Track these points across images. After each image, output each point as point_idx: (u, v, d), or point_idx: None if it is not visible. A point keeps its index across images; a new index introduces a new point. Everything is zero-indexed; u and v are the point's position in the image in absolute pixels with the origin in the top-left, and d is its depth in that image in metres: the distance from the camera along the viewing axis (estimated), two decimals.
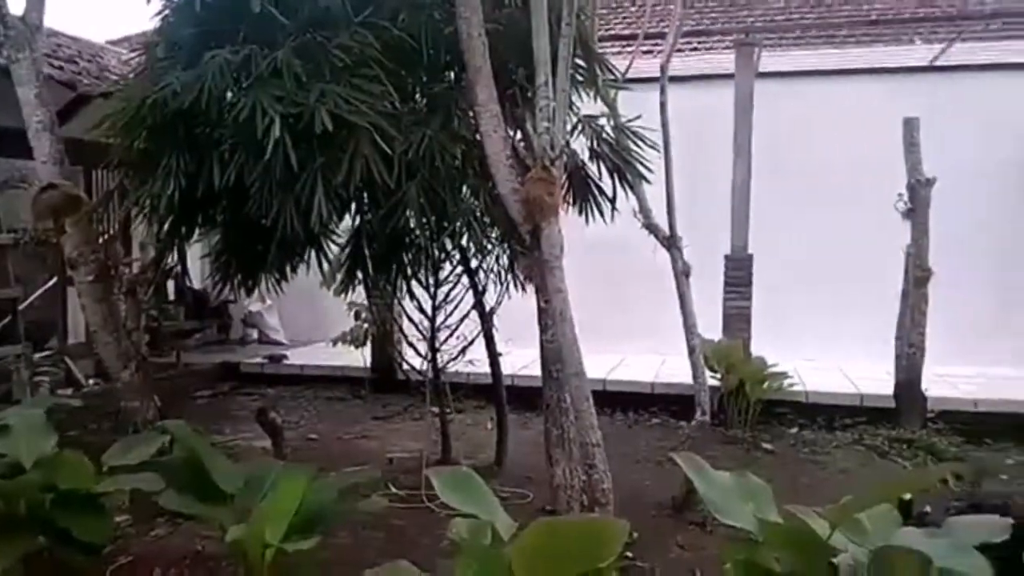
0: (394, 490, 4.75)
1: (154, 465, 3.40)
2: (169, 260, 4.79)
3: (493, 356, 5.24)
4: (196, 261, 5.68)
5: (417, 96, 4.52)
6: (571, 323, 3.65)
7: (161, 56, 4.32)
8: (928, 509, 3.76)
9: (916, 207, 6.21)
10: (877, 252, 6.84)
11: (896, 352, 6.39)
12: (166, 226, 4.45)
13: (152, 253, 5.14)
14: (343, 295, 4.81)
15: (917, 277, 6.21)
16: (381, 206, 4.10)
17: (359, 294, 5.31)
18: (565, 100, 3.73)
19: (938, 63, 7.85)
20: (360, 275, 4.44)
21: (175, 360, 7.75)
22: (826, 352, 7.82)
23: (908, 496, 3.65)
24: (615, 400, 6.91)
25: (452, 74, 4.53)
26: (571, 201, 4.92)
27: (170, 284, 8.23)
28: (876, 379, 6.78)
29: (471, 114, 3.99)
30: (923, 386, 6.31)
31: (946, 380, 6.96)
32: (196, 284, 8.17)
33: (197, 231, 4.59)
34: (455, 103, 4.34)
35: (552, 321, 3.73)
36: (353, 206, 4.33)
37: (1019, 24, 7.67)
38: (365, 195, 4.24)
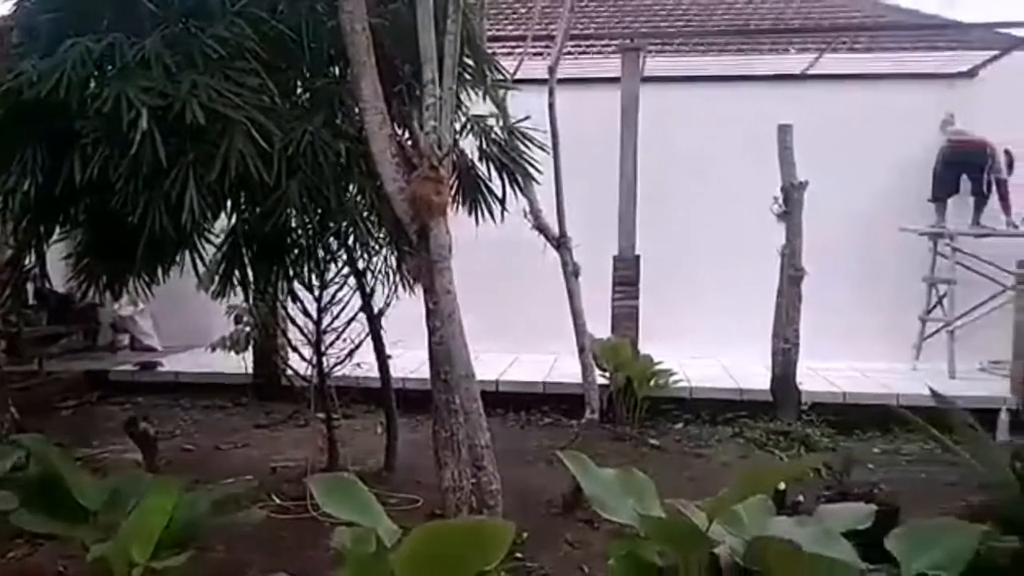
0: (277, 501, 4.58)
1: (8, 482, 3.16)
2: (27, 261, 4.45)
3: (381, 359, 5.14)
4: (60, 262, 5.30)
5: (299, 91, 4.38)
6: (460, 324, 3.61)
7: (16, 42, 4.01)
8: (801, 498, 3.93)
9: (790, 209, 6.52)
10: (756, 252, 7.12)
11: (773, 348, 6.68)
12: (23, 224, 4.13)
13: (7, 253, 4.75)
14: (221, 298, 4.59)
15: (791, 276, 6.52)
16: (260, 204, 3.94)
17: (241, 297, 5.10)
18: (452, 99, 3.70)
19: (810, 72, 8.27)
20: (238, 277, 4.24)
21: (37, 368, 7.21)
22: (709, 349, 8.10)
23: (782, 486, 3.82)
24: (507, 400, 6.93)
25: (336, 69, 4.42)
26: (460, 201, 4.89)
27: (30, 287, 7.65)
28: (755, 374, 7.07)
29: (356, 110, 3.90)
30: (798, 380, 6.62)
31: (819, 374, 7.34)
32: (60, 287, 7.63)
33: (58, 230, 4.28)
34: (339, 99, 4.23)
35: (441, 322, 3.68)
36: (229, 204, 4.14)
37: (884, 38, 8.21)
38: (242, 193, 4.05)
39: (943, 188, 7.93)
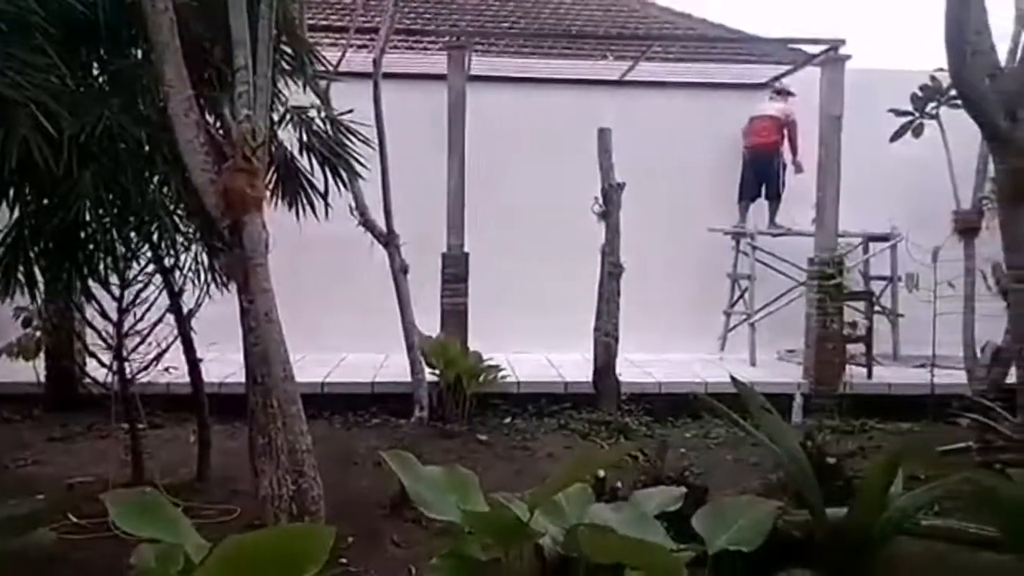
0: (75, 520, 4.17)
1: None
2: None
3: (192, 363, 4.81)
4: None
5: (96, 73, 4.01)
6: (278, 324, 3.45)
7: None
8: (619, 484, 4.09)
9: (609, 209, 6.80)
10: (579, 250, 7.36)
11: (594, 341, 6.94)
12: None
13: None
14: (4, 299, 4.11)
15: (610, 273, 6.81)
16: (48, 196, 3.56)
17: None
18: (268, 86, 3.52)
19: (628, 78, 8.67)
20: (23, 275, 3.82)
21: None
22: (536, 343, 8.30)
23: (602, 474, 3.95)
24: (334, 402, 6.72)
25: (140, 51, 4.09)
26: (279, 195, 4.68)
27: None
28: (579, 367, 7.32)
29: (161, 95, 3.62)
30: (617, 372, 6.92)
31: (636, 365, 7.72)
32: None
33: None
34: (142, 83, 3.92)
35: (256, 322, 3.48)
36: (12, 194, 3.71)
37: (695, 49, 8.74)
38: (27, 183, 3.65)
39: (747, 190, 8.59)
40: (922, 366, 7.19)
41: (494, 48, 8.43)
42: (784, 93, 8.52)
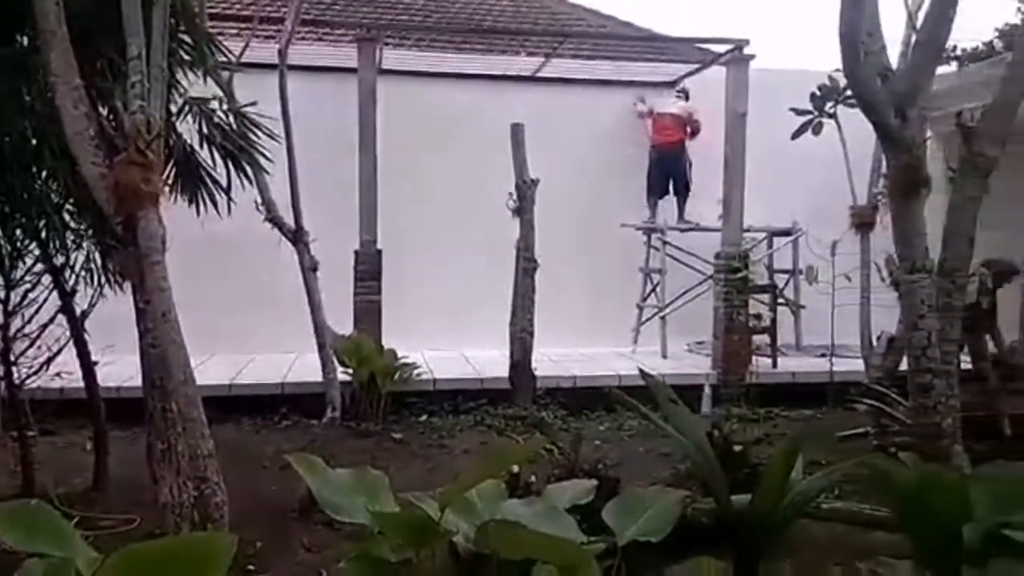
0: None
1: None
2: None
3: (87, 366, 4.57)
4: None
5: None
6: (176, 325, 3.30)
7: None
8: (533, 479, 4.10)
9: (523, 205, 6.82)
10: (495, 246, 7.37)
11: (510, 337, 6.95)
12: None
13: None
14: None
15: (525, 269, 6.83)
16: None
17: None
18: (163, 77, 3.36)
19: (540, 74, 8.71)
20: None
21: None
22: (452, 340, 8.26)
23: (516, 469, 3.96)
24: (243, 404, 6.51)
25: (25, 38, 3.85)
26: (178, 190, 4.50)
27: None
28: (495, 363, 7.32)
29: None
30: (533, 366, 6.95)
31: (552, 360, 7.78)
32: None
33: None
34: (27, 71, 3.69)
35: (154, 323, 3.34)
36: None
37: (606, 46, 8.84)
38: None
39: (655, 187, 8.76)
40: (823, 355, 7.49)
41: (406, 41, 8.32)
42: (687, 93, 8.75)
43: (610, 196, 8.87)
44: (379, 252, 6.92)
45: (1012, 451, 4.52)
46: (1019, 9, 13.55)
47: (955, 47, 17.46)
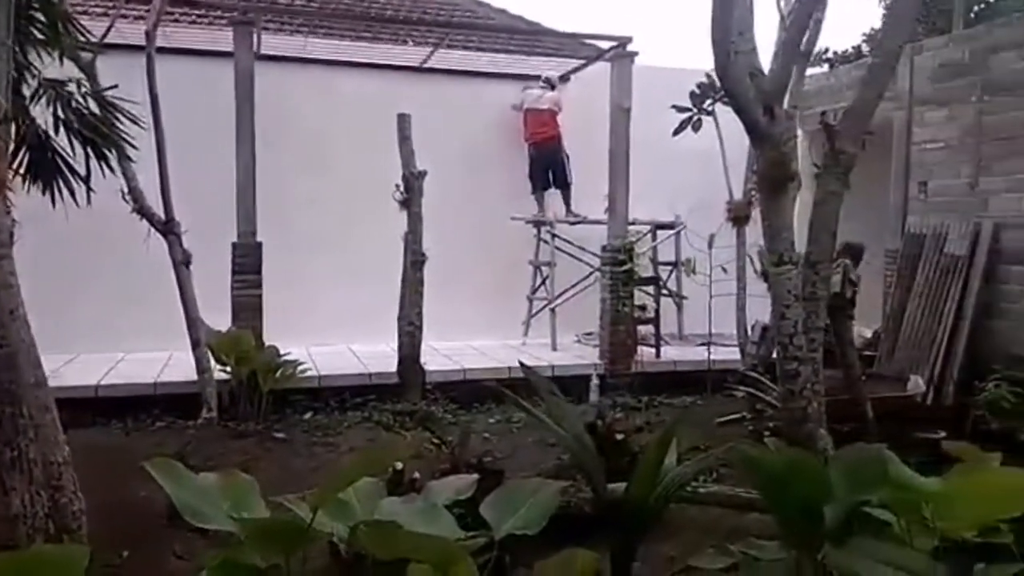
0: None
1: None
2: None
3: None
4: None
5: None
6: (26, 323, 3.08)
7: None
8: (417, 475, 4.05)
9: (411, 197, 6.72)
10: (383, 238, 7.24)
11: (398, 330, 6.85)
12: None
13: None
14: None
15: (413, 261, 6.75)
16: None
17: None
18: (8, 55, 3.12)
19: (429, 65, 8.61)
20: None
21: None
22: (339, 335, 8.08)
23: (400, 466, 3.90)
24: (112, 406, 6.16)
25: None
26: (30, 178, 4.18)
27: None
28: (383, 357, 7.21)
29: None
30: (422, 360, 6.88)
31: (442, 353, 7.73)
32: None
33: None
34: None
35: (0, 322, 3.08)
36: None
37: (494, 39, 8.84)
38: None
39: (537, 182, 8.82)
40: (703, 345, 7.76)
41: (287, 27, 8.04)
42: (553, 83, 8.79)
43: (501, 189, 8.88)
44: (259, 244, 6.66)
45: (874, 433, 4.84)
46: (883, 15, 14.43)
47: (827, 50, 18.51)
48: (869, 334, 7.86)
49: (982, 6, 16.64)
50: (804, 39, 5.90)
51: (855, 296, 4.94)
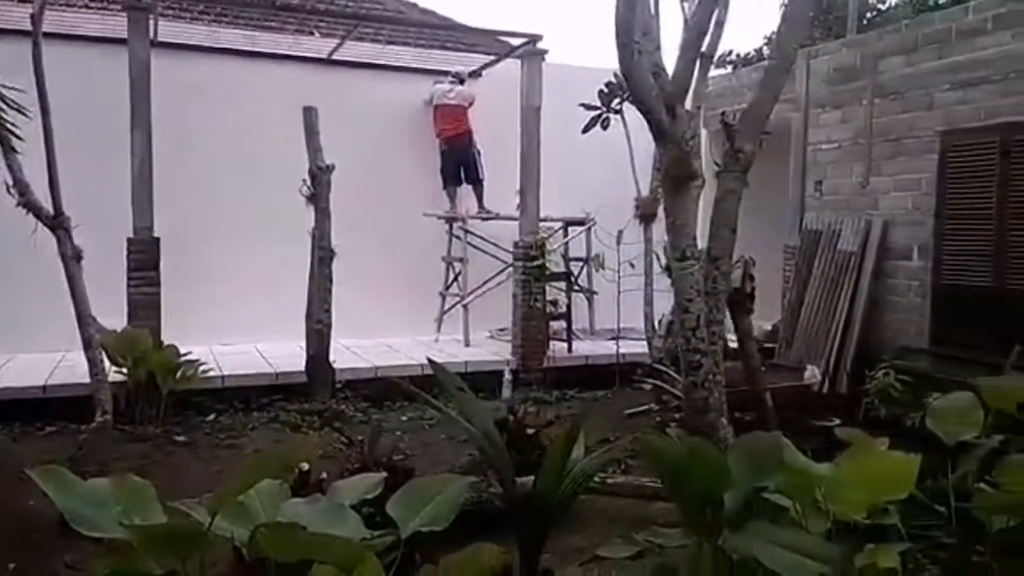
0: None
1: None
2: None
3: None
4: None
5: None
6: None
7: None
8: (324, 475, 3.98)
9: (318, 192, 6.59)
10: (290, 234, 7.07)
11: (306, 329, 6.71)
12: None
13: None
14: None
15: (321, 258, 6.61)
16: None
17: None
18: None
19: (337, 57, 8.44)
20: None
21: None
22: (245, 334, 7.86)
23: (306, 466, 3.82)
24: None
25: None
26: None
27: None
28: (291, 356, 7.04)
29: None
30: (331, 359, 6.75)
31: (352, 351, 7.61)
32: None
33: None
34: None
35: None
36: None
37: (406, 33, 8.74)
38: None
39: (449, 177, 8.79)
40: (613, 339, 7.90)
41: (186, 14, 7.74)
42: (462, 78, 8.76)
43: (413, 185, 8.81)
44: (156, 240, 6.38)
45: (773, 421, 5.03)
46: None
47: (730, 52, 19.16)
48: (769, 327, 8.18)
49: (874, 14, 17.56)
50: (707, 41, 6.11)
51: (754, 290, 5.12)
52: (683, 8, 6.44)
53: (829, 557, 2.54)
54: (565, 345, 8.22)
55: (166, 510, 2.64)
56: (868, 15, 16.94)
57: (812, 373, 6.18)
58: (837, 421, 5.33)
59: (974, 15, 6.38)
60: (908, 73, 6.88)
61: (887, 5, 18.23)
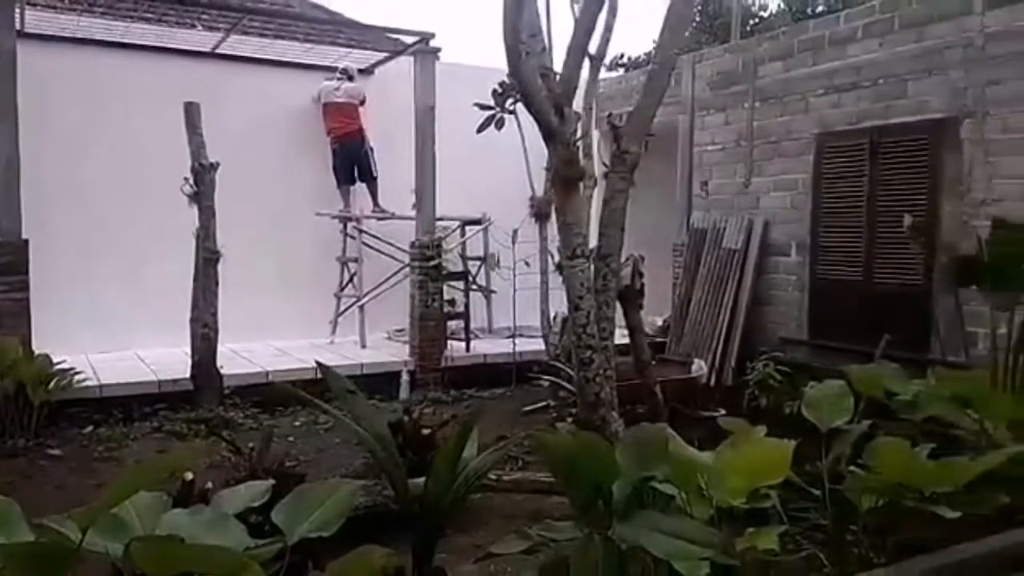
0: None
1: None
2: None
3: None
4: None
5: None
6: None
7: None
8: (210, 485, 3.83)
9: (202, 190, 6.34)
10: (173, 235, 6.78)
11: (191, 333, 6.45)
12: None
13: None
14: None
15: (206, 259, 6.36)
16: None
17: None
18: None
19: (222, 51, 8.15)
20: None
21: None
22: (125, 341, 7.48)
23: (190, 476, 3.66)
24: None
25: None
26: None
27: None
28: (177, 362, 6.75)
29: None
30: (219, 364, 6.51)
31: (241, 356, 7.37)
32: None
33: None
34: None
35: None
36: None
37: (295, 27, 8.52)
38: None
39: (342, 176, 8.63)
40: (511, 337, 7.96)
41: (58, 2, 7.30)
42: (351, 74, 8.61)
43: (305, 183, 8.61)
44: (25, 242, 5.97)
45: (662, 413, 5.18)
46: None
47: (622, 55, 19.64)
48: (661, 322, 8.44)
49: (756, 21, 18.38)
50: (596, 44, 6.25)
51: (644, 287, 5.26)
52: (572, 9, 6.54)
53: (711, 542, 2.64)
54: (463, 344, 8.22)
55: (33, 528, 2.49)
56: (750, 22, 17.71)
57: (699, 366, 6.41)
58: (722, 411, 5.55)
59: (845, 24, 6.77)
60: (786, 78, 7.24)
61: (768, 12, 19.13)
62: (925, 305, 5.79)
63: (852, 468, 3.48)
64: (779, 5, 19.22)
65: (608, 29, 6.37)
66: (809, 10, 17.76)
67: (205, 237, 6.34)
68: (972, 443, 4.03)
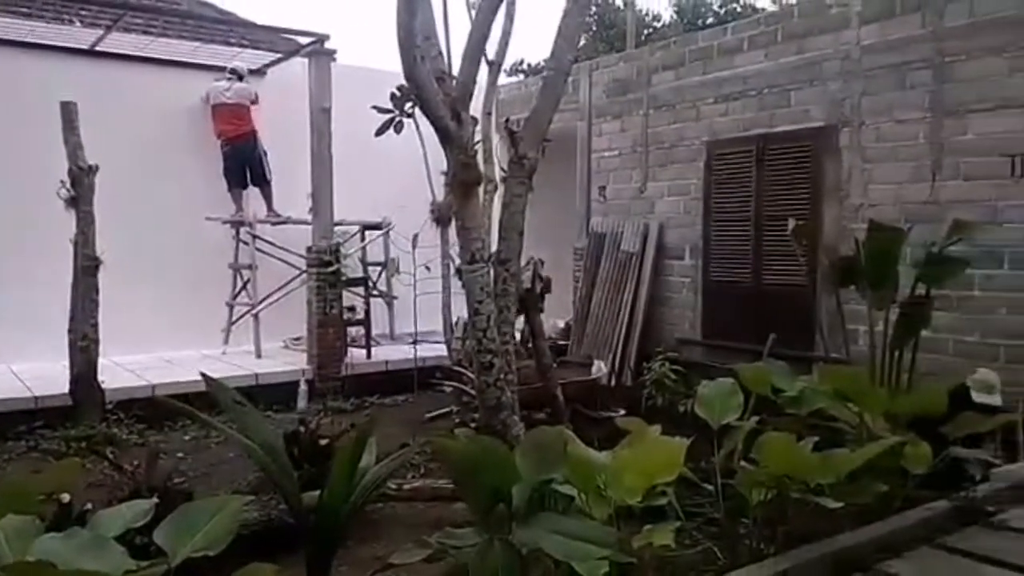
0: None
1: None
2: None
3: None
4: None
5: None
6: None
7: None
8: (90, 506, 3.61)
9: (80, 194, 5.98)
10: (49, 242, 6.37)
11: (70, 345, 6.07)
12: None
13: None
14: None
15: (85, 267, 6.00)
16: None
17: None
18: None
19: (102, 48, 7.73)
20: None
21: None
22: None
23: (67, 498, 3.43)
24: None
25: None
26: None
27: None
28: (54, 377, 6.34)
29: None
30: (100, 378, 6.15)
31: (126, 368, 7.00)
32: None
33: None
34: None
35: None
36: None
37: (182, 25, 8.18)
38: None
39: (233, 179, 8.33)
40: (413, 343, 7.87)
41: None
42: (241, 74, 8.36)
43: (194, 186, 8.25)
44: None
45: (564, 415, 5.22)
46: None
47: (522, 61, 19.83)
48: (563, 324, 8.54)
49: (650, 31, 18.92)
50: (496, 49, 6.27)
51: (544, 291, 5.30)
52: (470, 14, 6.54)
53: (609, 541, 2.67)
54: (364, 351, 8.07)
55: None
56: (644, 32, 18.21)
57: (600, 367, 6.50)
58: (622, 412, 5.65)
59: (733, 35, 7.04)
60: (677, 86, 7.46)
61: (661, 23, 19.72)
62: (809, 305, 6.06)
63: (743, 463, 3.60)
64: (672, 16, 19.87)
65: (506, 34, 6.40)
66: (700, 21, 18.43)
67: (84, 244, 5.98)
68: (853, 435, 4.25)
